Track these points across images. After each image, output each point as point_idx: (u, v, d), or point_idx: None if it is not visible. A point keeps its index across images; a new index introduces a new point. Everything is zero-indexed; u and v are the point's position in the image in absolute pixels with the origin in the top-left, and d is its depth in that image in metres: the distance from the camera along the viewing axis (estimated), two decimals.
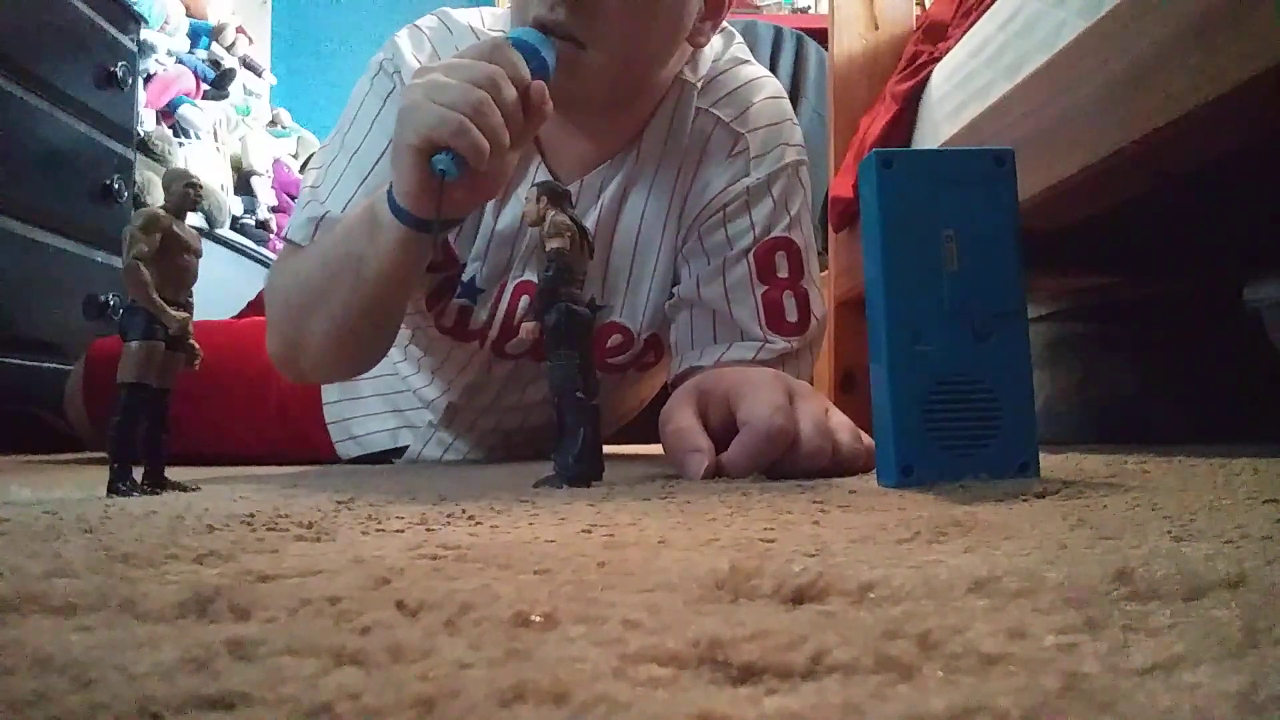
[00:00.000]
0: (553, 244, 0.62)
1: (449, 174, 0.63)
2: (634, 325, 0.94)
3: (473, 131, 0.63)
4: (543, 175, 0.89)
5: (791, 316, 0.86)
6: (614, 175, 0.90)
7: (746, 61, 0.95)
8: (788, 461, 0.65)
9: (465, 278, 0.91)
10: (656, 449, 0.82)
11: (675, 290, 0.91)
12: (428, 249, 0.74)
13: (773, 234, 0.88)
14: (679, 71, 0.88)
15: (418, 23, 0.92)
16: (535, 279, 0.72)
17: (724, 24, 0.90)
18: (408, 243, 0.71)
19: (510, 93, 0.65)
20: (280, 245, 2.72)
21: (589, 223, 0.90)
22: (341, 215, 0.83)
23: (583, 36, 0.75)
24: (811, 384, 0.83)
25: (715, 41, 0.91)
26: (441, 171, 0.62)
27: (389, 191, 0.70)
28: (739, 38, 0.97)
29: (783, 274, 0.87)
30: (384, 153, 0.84)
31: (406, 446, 1.07)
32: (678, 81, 0.88)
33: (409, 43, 0.89)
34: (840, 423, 0.68)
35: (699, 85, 0.89)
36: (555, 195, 0.64)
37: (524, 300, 0.91)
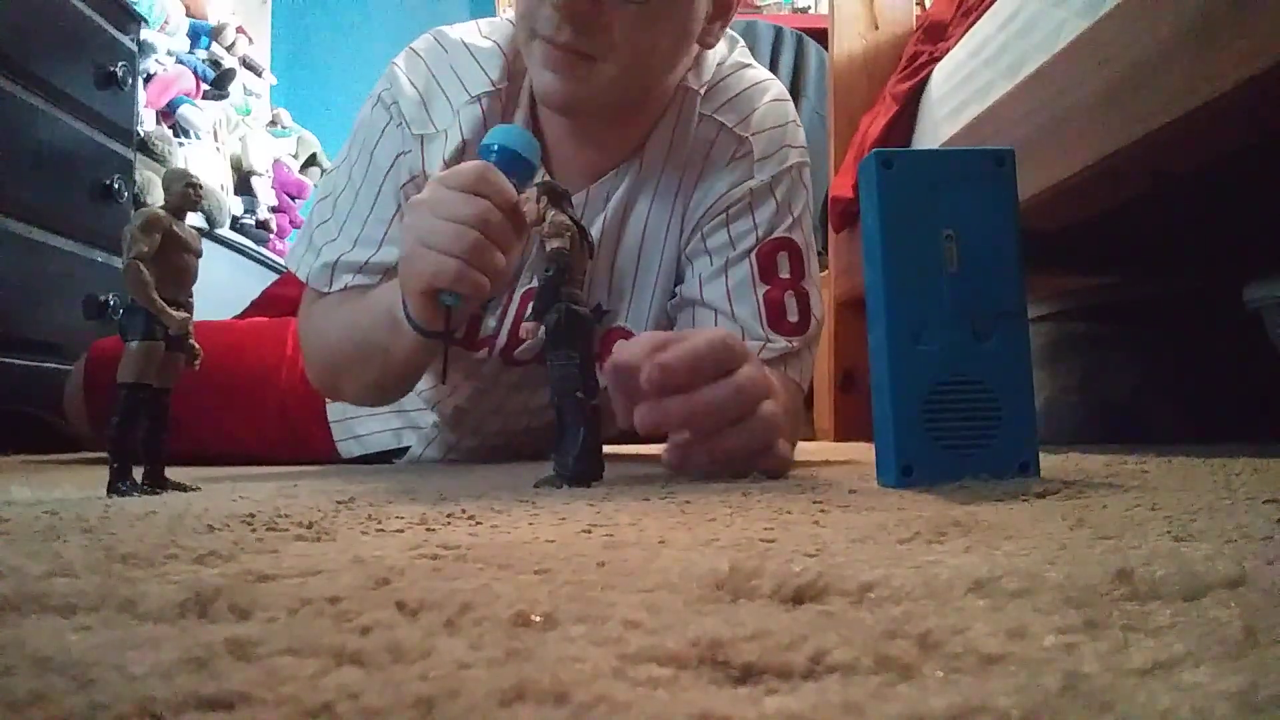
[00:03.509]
0: (553, 244, 0.62)
1: (455, 305, 0.69)
2: (638, 331, 0.94)
3: (471, 274, 0.67)
4: None
5: (793, 316, 0.86)
6: (619, 184, 0.90)
7: (749, 65, 0.95)
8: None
9: None
10: (657, 449, 0.82)
11: (678, 290, 0.91)
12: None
13: (775, 234, 0.88)
14: (683, 78, 0.88)
15: (413, 45, 0.93)
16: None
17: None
18: (426, 344, 0.77)
19: (498, 220, 0.67)
20: (284, 249, 2.75)
21: (594, 231, 0.90)
22: (353, 250, 0.88)
23: (593, 50, 0.75)
24: (811, 383, 0.83)
25: (719, 46, 0.91)
26: (447, 305, 0.69)
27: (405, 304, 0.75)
28: (741, 42, 0.97)
29: (784, 274, 0.87)
30: (380, 187, 0.89)
31: (408, 447, 1.08)
32: (681, 88, 0.89)
33: (405, 70, 0.91)
34: (773, 409, 0.64)
35: (702, 91, 0.90)
36: (555, 195, 0.64)
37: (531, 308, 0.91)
